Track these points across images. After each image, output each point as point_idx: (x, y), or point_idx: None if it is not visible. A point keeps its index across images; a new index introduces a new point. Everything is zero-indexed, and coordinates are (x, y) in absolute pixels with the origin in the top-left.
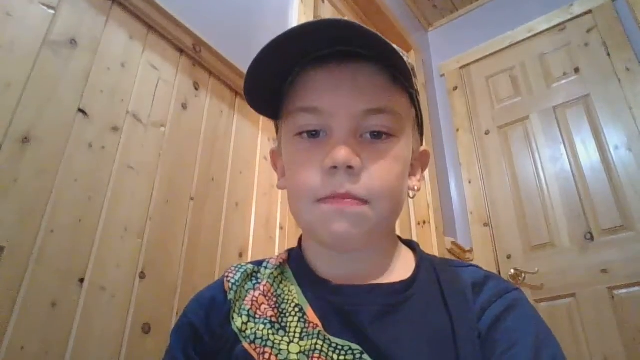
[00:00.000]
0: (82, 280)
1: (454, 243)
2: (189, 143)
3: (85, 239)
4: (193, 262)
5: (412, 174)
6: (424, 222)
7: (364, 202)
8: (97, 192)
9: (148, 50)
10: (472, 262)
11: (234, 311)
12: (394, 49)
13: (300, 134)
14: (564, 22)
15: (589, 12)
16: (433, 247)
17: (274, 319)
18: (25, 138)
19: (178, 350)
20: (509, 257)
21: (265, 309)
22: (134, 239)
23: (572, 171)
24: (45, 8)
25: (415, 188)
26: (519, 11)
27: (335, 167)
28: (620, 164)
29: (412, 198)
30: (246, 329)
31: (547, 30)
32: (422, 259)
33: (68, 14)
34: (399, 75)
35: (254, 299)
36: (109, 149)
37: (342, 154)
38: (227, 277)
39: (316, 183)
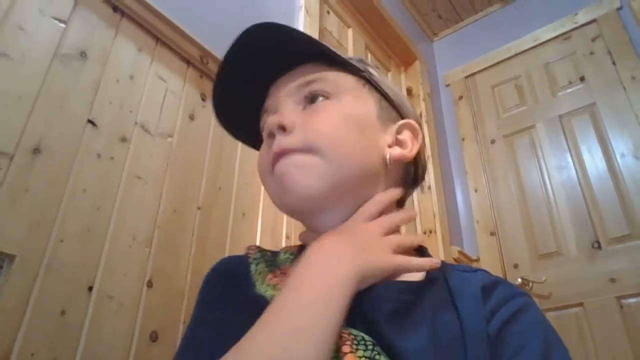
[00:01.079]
0: (90, 289)
1: (460, 252)
2: (196, 153)
3: (94, 248)
4: (200, 271)
5: (395, 144)
6: (430, 232)
7: (307, 151)
8: (105, 202)
9: (156, 62)
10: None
11: (257, 281)
12: (306, 39)
13: (268, 135)
14: (569, 31)
15: (594, 21)
16: (439, 256)
17: None
18: (36, 149)
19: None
20: (515, 266)
21: None
22: (142, 247)
23: (578, 180)
24: (57, 22)
25: (394, 155)
26: (524, 20)
27: (272, 135)
28: (627, 172)
29: (390, 165)
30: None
31: (552, 39)
32: None
33: (78, 28)
34: (332, 59)
35: (278, 277)
36: (117, 159)
37: (270, 120)
38: (248, 253)
39: (264, 156)
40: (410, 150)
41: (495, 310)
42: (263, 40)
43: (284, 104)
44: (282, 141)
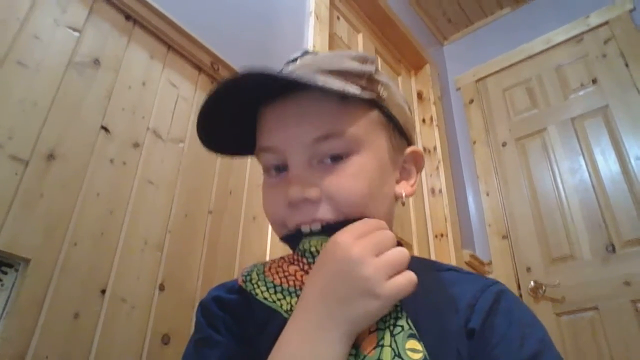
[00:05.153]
0: (103, 292)
1: (472, 256)
2: (207, 158)
3: (107, 252)
4: (211, 275)
5: (402, 179)
6: (442, 235)
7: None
8: (118, 206)
9: (168, 69)
10: (452, 265)
11: (260, 291)
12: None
13: (267, 171)
14: (581, 34)
15: (606, 23)
16: (451, 260)
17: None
18: (51, 155)
19: (206, 327)
20: (528, 269)
21: (299, 274)
22: (153, 251)
23: (591, 182)
24: (71, 31)
25: (404, 194)
26: (535, 23)
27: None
28: None
29: (403, 205)
30: (281, 305)
31: (564, 42)
32: None
33: (92, 36)
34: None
35: (282, 270)
36: (130, 164)
37: (292, 191)
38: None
39: (283, 218)
40: (413, 184)
41: (473, 303)
42: (258, 81)
43: (300, 161)
44: (313, 213)
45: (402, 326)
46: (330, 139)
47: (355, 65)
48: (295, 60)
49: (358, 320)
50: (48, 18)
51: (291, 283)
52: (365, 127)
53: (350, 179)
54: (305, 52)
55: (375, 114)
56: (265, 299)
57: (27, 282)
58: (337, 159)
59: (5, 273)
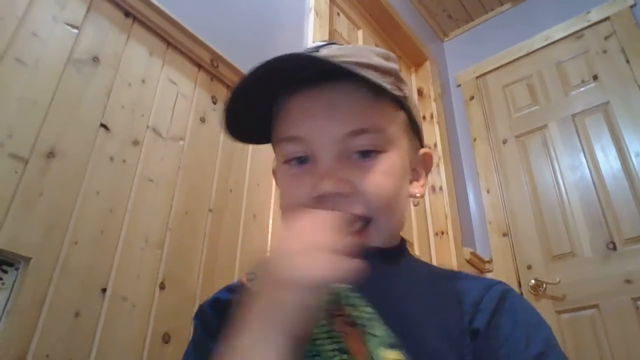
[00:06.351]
0: (104, 291)
1: (472, 253)
2: (208, 156)
3: (107, 250)
4: (212, 273)
5: (414, 179)
6: (442, 233)
7: (365, 219)
8: (118, 205)
9: (167, 66)
10: (458, 270)
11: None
12: (362, 74)
13: (288, 161)
14: (581, 30)
15: (607, 19)
16: (451, 258)
17: None
18: (51, 153)
19: (201, 331)
20: (529, 267)
21: None
22: (154, 250)
23: (592, 179)
24: (70, 28)
25: (418, 195)
26: (535, 20)
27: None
28: None
29: (416, 205)
30: None
31: (564, 38)
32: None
33: (91, 33)
34: (379, 88)
35: None
36: (129, 162)
37: (325, 183)
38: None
39: (303, 193)
40: (423, 184)
41: (478, 301)
42: (294, 64)
43: (331, 155)
44: (342, 207)
45: (377, 336)
46: (363, 135)
47: (382, 62)
48: (317, 49)
49: (281, 317)
50: (47, 15)
51: None
52: (396, 126)
53: (382, 177)
54: (332, 42)
55: (402, 114)
56: None
57: (27, 281)
58: (366, 154)
59: (6, 272)
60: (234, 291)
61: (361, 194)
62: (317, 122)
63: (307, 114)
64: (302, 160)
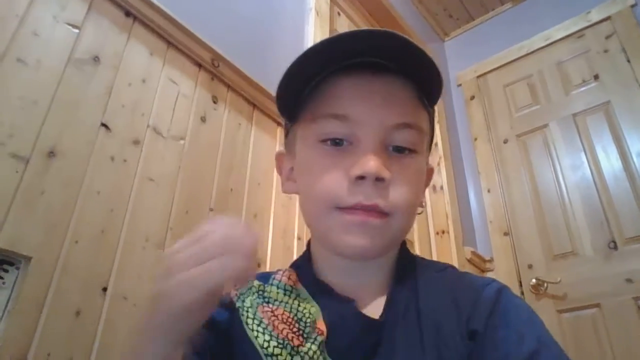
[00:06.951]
0: (105, 290)
1: (473, 253)
2: (208, 155)
3: (108, 250)
4: None
5: None
6: (443, 232)
7: (386, 215)
8: (119, 204)
9: (168, 66)
10: (448, 264)
11: (248, 318)
12: (433, 68)
13: (324, 140)
14: (582, 29)
15: (608, 18)
16: (452, 257)
17: (294, 342)
18: (51, 152)
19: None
20: (530, 266)
21: (286, 332)
22: (154, 249)
23: (593, 179)
24: (70, 27)
25: (423, 204)
26: (536, 19)
27: (362, 178)
28: None
29: (420, 214)
30: (268, 346)
31: (565, 37)
32: (403, 269)
33: (91, 33)
34: (423, 93)
35: (266, 315)
36: (130, 162)
37: (372, 164)
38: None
39: (340, 191)
40: (423, 197)
41: (477, 303)
42: (378, 41)
43: (377, 140)
44: (375, 198)
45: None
46: (407, 130)
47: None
48: None
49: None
50: (47, 15)
51: (275, 326)
52: (429, 130)
53: (414, 176)
54: None
55: (429, 123)
56: (247, 324)
57: (28, 280)
58: (401, 151)
59: (7, 271)
60: (227, 306)
61: (393, 187)
62: (369, 105)
63: (361, 96)
64: (337, 143)
